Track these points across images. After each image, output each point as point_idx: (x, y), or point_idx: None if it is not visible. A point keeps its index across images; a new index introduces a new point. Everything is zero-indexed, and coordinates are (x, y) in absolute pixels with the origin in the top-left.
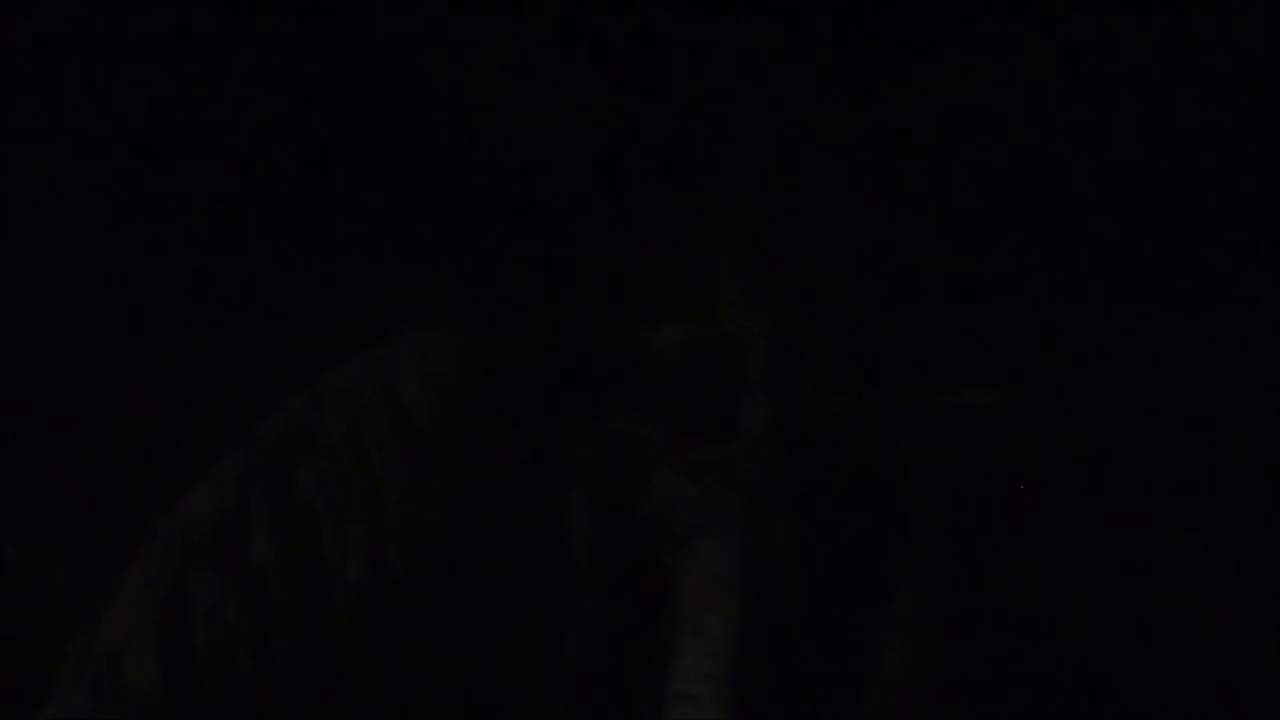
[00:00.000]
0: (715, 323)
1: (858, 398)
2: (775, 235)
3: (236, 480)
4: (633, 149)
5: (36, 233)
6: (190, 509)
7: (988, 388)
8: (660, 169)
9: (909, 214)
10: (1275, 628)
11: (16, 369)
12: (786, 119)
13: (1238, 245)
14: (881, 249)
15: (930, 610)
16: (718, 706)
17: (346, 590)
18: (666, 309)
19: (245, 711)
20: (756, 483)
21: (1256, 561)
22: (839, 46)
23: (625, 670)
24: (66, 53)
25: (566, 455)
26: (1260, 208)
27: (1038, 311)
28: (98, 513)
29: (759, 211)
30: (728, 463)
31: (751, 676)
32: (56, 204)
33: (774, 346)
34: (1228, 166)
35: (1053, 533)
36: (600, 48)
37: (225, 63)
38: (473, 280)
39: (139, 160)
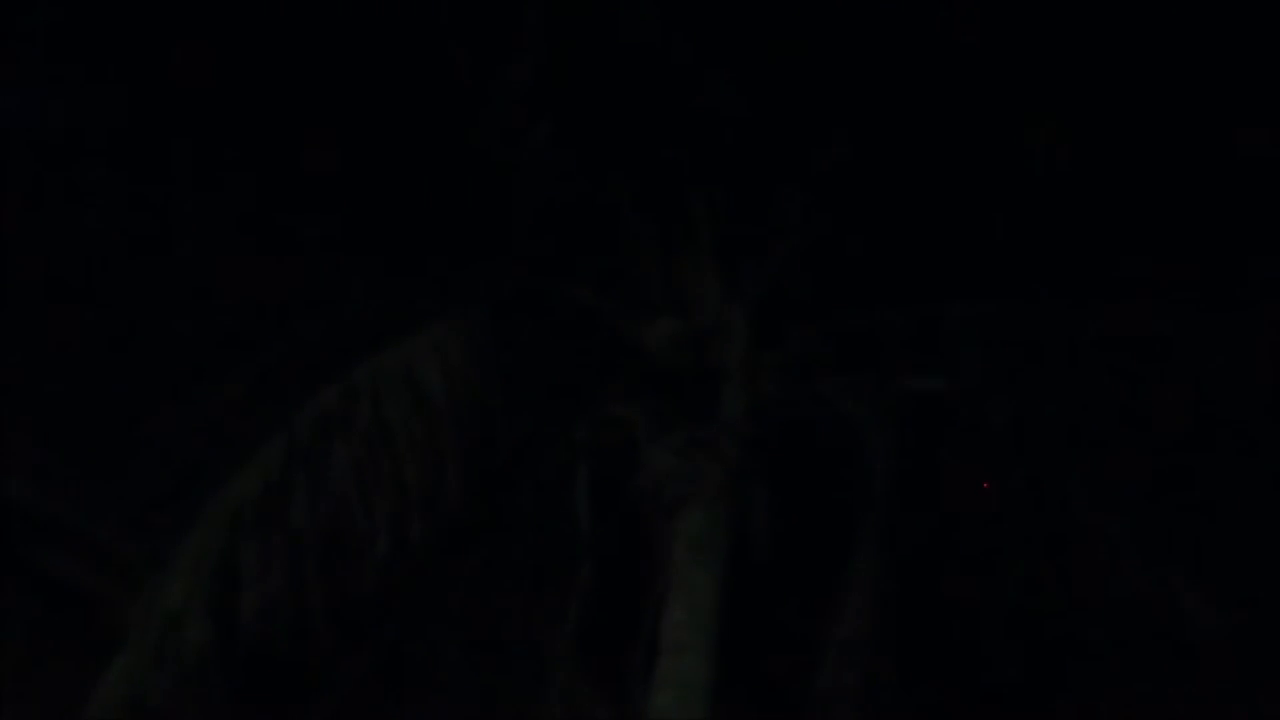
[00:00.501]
0: (698, 318)
1: (824, 384)
2: (751, 241)
3: (280, 461)
4: (623, 164)
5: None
6: (239, 487)
7: (937, 377)
8: (649, 183)
9: (870, 223)
10: (1195, 594)
11: (106, 373)
12: (760, 140)
13: (1167, 243)
14: (846, 253)
15: (887, 567)
16: (704, 654)
17: (375, 557)
18: (655, 306)
19: (285, 664)
20: (736, 459)
21: (1178, 535)
22: (809, 73)
23: (623, 623)
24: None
25: (569, 436)
26: (1190, 206)
27: (982, 311)
28: (164, 491)
29: (737, 220)
30: (710, 441)
31: (733, 627)
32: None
33: (750, 338)
34: (1155, 170)
35: (993, 504)
36: (591, 76)
37: (280, 73)
38: (484, 283)
39: (194, 184)
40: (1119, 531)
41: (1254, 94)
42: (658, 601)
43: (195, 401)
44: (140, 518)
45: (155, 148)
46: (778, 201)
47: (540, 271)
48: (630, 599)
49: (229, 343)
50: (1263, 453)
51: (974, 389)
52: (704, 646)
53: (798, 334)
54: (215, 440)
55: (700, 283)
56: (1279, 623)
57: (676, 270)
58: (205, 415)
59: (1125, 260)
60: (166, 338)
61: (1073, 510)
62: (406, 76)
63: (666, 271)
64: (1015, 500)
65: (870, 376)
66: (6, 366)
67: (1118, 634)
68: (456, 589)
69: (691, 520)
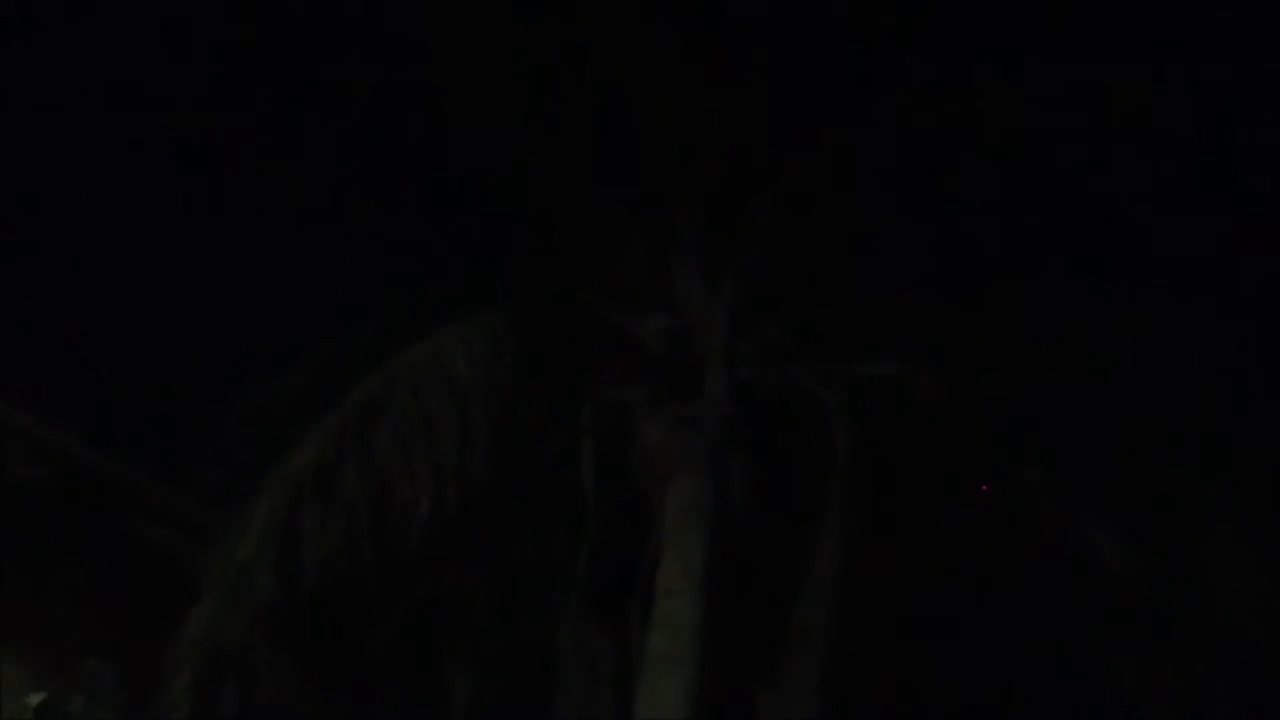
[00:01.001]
0: (684, 314)
1: (794, 369)
2: (729, 247)
3: (333, 438)
4: (618, 186)
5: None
6: (299, 460)
7: (892, 361)
8: (642, 201)
9: (831, 230)
10: (1113, 545)
11: (186, 366)
12: (734, 163)
13: (1110, 240)
14: (811, 257)
15: (851, 524)
16: (693, 599)
17: (414, 519)
18: (647, 304)
19: (340, 609)
20: (719, 434)
21: (1103, 493)
22: (781, 93)
23: (624, 574)
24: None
25: (575, 416)
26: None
27: (926, 303)
28: (236, 464)
29: (716, 230)
30: (697, 419)
31: (719, 577)
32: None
33: (730, 331)
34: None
35: (939, 468)
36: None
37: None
38: (502, 286)
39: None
40: (1046, 488)
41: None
42: (653, 555)
43: (261, 389)
44: (216, 487)
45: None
46: (751, 213)
47: (549, 276)
48: (630, 553)
49: (290, 340)
50: (1173, 421)
51: (920, 371)
52: (693, 593)
53: (770, 327)
54: (278, 421)
55: (686, 284)
56: (1178, 563)
57: (665, 274)
58: (270, 400)
59: (1050, 259)
60: (239, 336)
61: (1005, 471)
62: (442, 118)
63: (657, 275)
64: (956, 463)
65: (833, 362)
66: (103, 360)
67: (1044, 574)
68: (483, 546)
69: (681, 486)
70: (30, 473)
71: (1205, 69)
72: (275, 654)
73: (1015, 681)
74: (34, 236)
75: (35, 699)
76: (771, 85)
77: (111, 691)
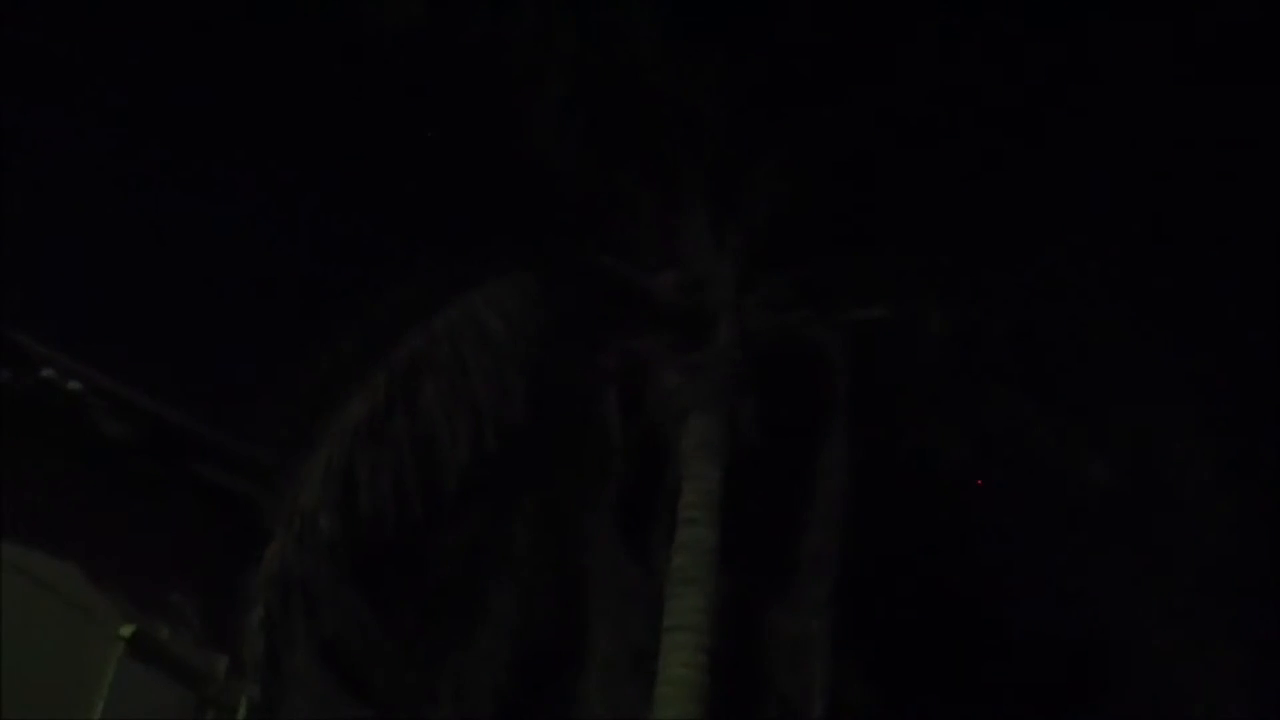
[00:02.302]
0: (695, 268)
1: (796, 315)
2: (734, 206)
3: (382, 390)
4: (632, 154)
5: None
6: (352, 412)
7: (882, 308)
8: (653, 168)
9: (826, 190)
10: (1102, 466)
11: (253, 327)
12: (737, 127)
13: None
14: (810, 211)
15: (850, 456)
16: (710, 525)
17: (458, 462)
18: (661, 261)
19: (394, 546)
20: (729, 377)
21: (1090, 416)
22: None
23: (648, 504)
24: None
25: (599, 364)
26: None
27: (915, 258)
28: (297, 416)
29: (721, 192)
30: (708, 364)
31: (732, 504)
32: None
33: (736, 283)
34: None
35: (935, 402)
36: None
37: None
38: (530, 251)
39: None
40: (1037, 417)
41: None
42: (673, 486)
43: (318, 347)
44: (279, 437)
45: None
46: (752, 176)
47: (572, 239)
48: (652, 486)
49: (343, 302)
50: (1151, 354)
51: (908, 316)
52: (710, 520)
53: (773, 278)
54: (333, 377)
55: (695, 242)
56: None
57: (676, 234)
58: (325, 358)
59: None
60: (299, 302)
61: (992, 402)
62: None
63: (668, 235)
64: (951, 397)
65: (829, 310)
66: (178, 327)
67: (1036, 495)
68: (520, 484)
69: (696, 425)
70: (116, 427)
71: None
72: (339, 587)
73: (1011, 592)
74: (112, 222)
75: (127, 630)
76: (770, 54)
77: (194, 621)
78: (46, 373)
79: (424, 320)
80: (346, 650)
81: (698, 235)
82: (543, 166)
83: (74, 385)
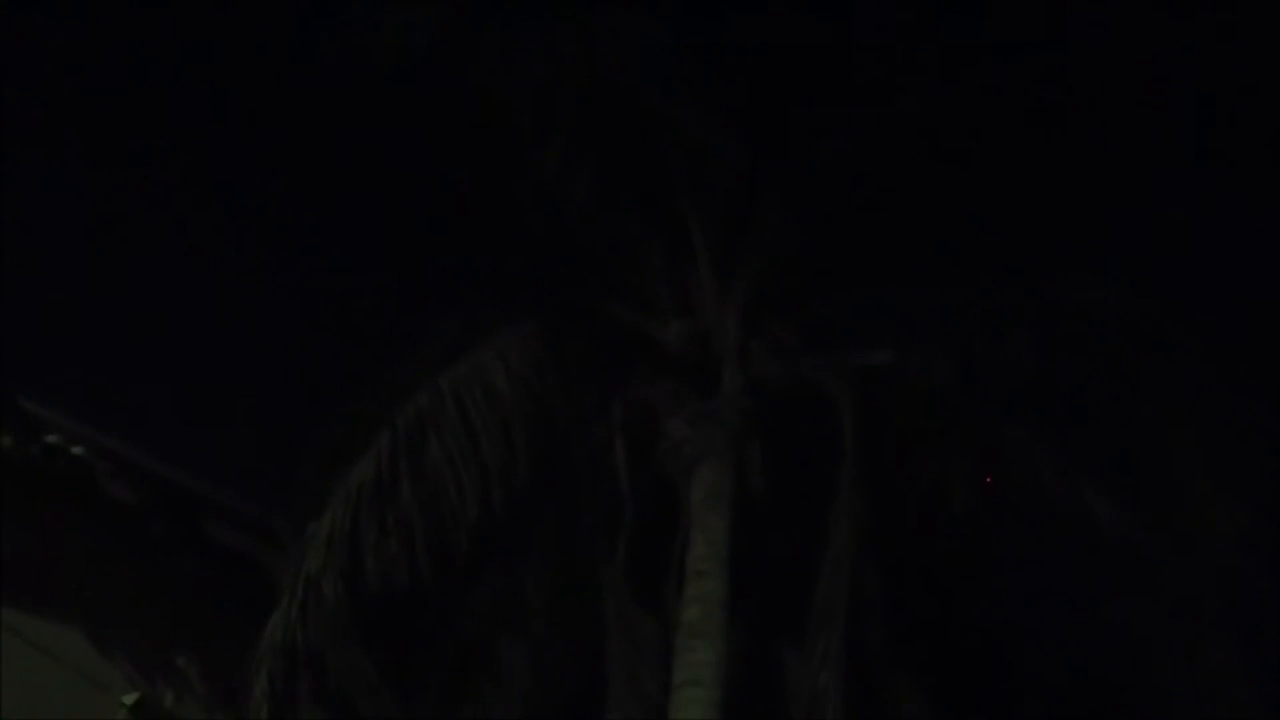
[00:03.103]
0: (701, 318)
1: (802, 362)
2: (739, 254)
3: (388, 452)
4: (639, 206)
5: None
6: (358, 475)
7: (888, 352)
8: (660, 218)
9: (829, 237)
10: (1105, 504)
11: (260, 391)
12: (743, 171)
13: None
14: (815, 258)
15: (859, 503)
16: (720, 578)
17: (467, 523)
18: (667, 310)
19: (401, 612)
20: (736, 426)
21: (1097, 458)
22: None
23: (658, 555)
24: None
25: (606, 415)
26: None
27: (919, 301)
28: (304, 478)
29: (726, 241)
30: (716, 412)
31: (742, 556)
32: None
33: (742, 330)
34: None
35: (942, 445)
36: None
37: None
38: (535, 302)
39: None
40: (1043, 457)
41: None
42: (683, 538)
43: (324, 411)
44: (287, 499)
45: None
46: (757, 224)
47: (576, 289)
48: (663, 537)
49: (351, 359)
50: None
51: (915, 360)
52: (720, 571)
53: (779, 325)
54: (340, 437)
55: (700, 291)
56: (1165, 522)
57: (681, 283)
58: (331, 421)
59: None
60: (301, 363)
61: (1002, 444)
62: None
63: (674, 284)
64: (958, 440)
65: (836, 355)
66: (183, 388)
67: (1050, 538)
68: (530, 539)
69: (704, 474)
70: (121, 490)
71: None
72: (346, 653)
73: (1027, 636)
74: (115, 284)
75: (130, 698)
76: (773, 99)
77: (200, 687)
78: (50, 438)
79: (430, 378)
80: (355, 716)
81: (703, 282)
82: (547, 215)
83: (78, 450)
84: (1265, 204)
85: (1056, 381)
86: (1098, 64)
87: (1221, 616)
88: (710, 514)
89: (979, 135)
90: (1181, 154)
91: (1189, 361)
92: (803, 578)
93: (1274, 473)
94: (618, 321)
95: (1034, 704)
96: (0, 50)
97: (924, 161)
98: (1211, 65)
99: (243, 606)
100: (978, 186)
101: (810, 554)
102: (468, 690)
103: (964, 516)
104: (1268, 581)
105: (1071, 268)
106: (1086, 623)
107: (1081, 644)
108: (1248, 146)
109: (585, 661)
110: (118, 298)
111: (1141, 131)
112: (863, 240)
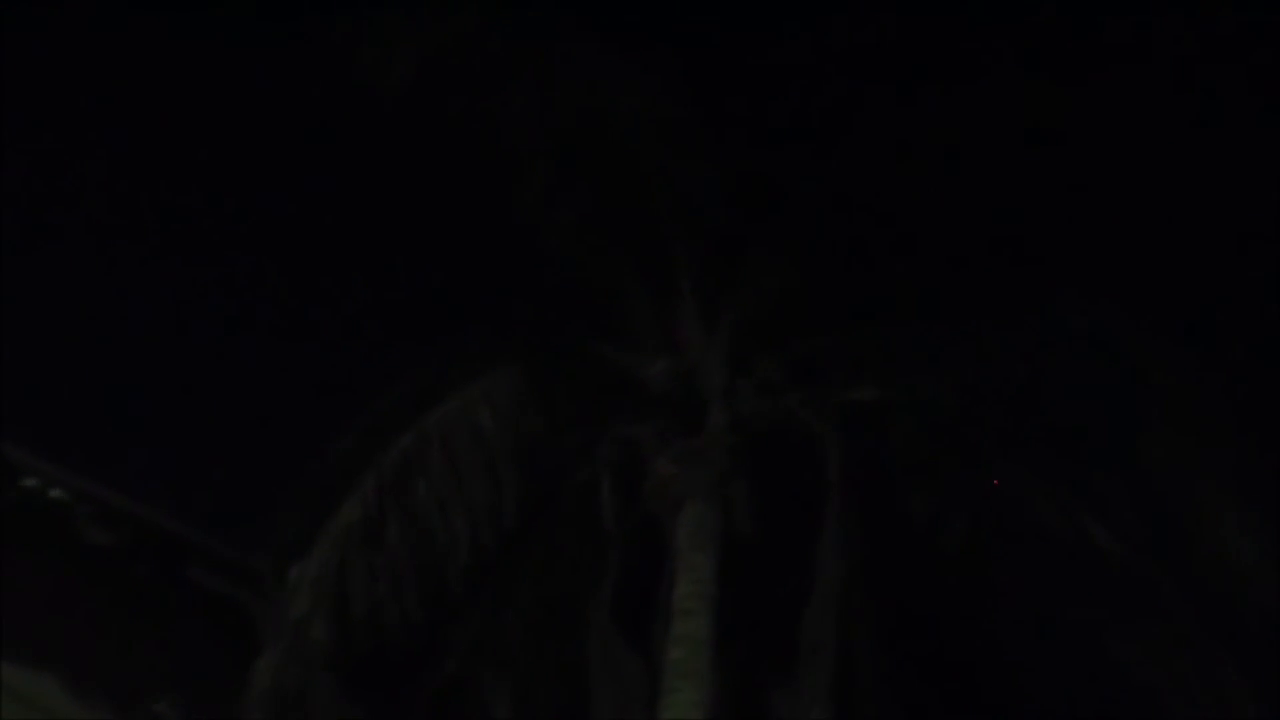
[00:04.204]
0: (686, 355)
1: (788, 399)
2: (723, 294)
3: (374, 494)
4: (624, 247)
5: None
6: (344, 517)
7: (872, 388)
8: (645, 259)
9: (817, 275)
10: (1101, 525)
11: (245, 438)
12: (727, 210)
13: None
14: (799, 298)
15: (847, 540)
16: (706, 617)
17: (455, 563)
18: (653, 349)
19: (389, 656)
20: (722, 464)
21: (1094, 485)
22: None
23: (644, 595)
24: None
25: (593, 454)
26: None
27: (905, 336)
28: (289, 522)
29: (711, 281)
30: (702, 450)
31: (728, 594)
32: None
33: (728, 369)
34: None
35: (930, 479)
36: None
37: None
38: (521, 342)
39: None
40: (1037, 486)
41: None
42: (669, 577)
43: (309, 453)
44: (272, 541)
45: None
46: (741, 262)
47: (562, 329)
48: (649, 576)
49: (332, 406)
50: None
51: (901, 394)
52: (706, 611)
53: (764, 364)
54: (326, 479)
55: (686, 330)
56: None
57: (667, 321)
58: (316, 463)
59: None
60: (290, 402)
61: (991, 479)
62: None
63: (660, 323)
64: (947, 472)
65: (821, 392)
66: (165, 431)
67: (1041, 567)
68: (517, 578)
69: (690, 513)
70: (101, 535)
71: None
72: (334, 697)
73: (1019, 666)
74: (92, 325)
75: None
76: (756, 139)
77: None
78: (28, 481)
79: (415, 419)
80: None
81: (688, 321)
82: (532, 255)
83: (57, 493)
84: (1263, 225)
85: (1048, 411)
86: (1075, 99)
87: (1225, 644)
88: (696, 553)
89: (962, 170)
90: (1171, 177)
91: (1182, 385)
92: (790, 616)
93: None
94: (603, 360)
95: None
96: None
97: (908, 197)
98: (1199, 90)
99: (225, 651)
100: (962, 220)
101: (798, 591)
102: None
103: (955, 550)
104: (1271, 607)
105: (1058, 295)
106: (1084, 654)
107: (1080, 676)
108: (1245, 166)
109: (572, 702)
110: (97, 340)
111: (1124, 160)
112: (847, 277)
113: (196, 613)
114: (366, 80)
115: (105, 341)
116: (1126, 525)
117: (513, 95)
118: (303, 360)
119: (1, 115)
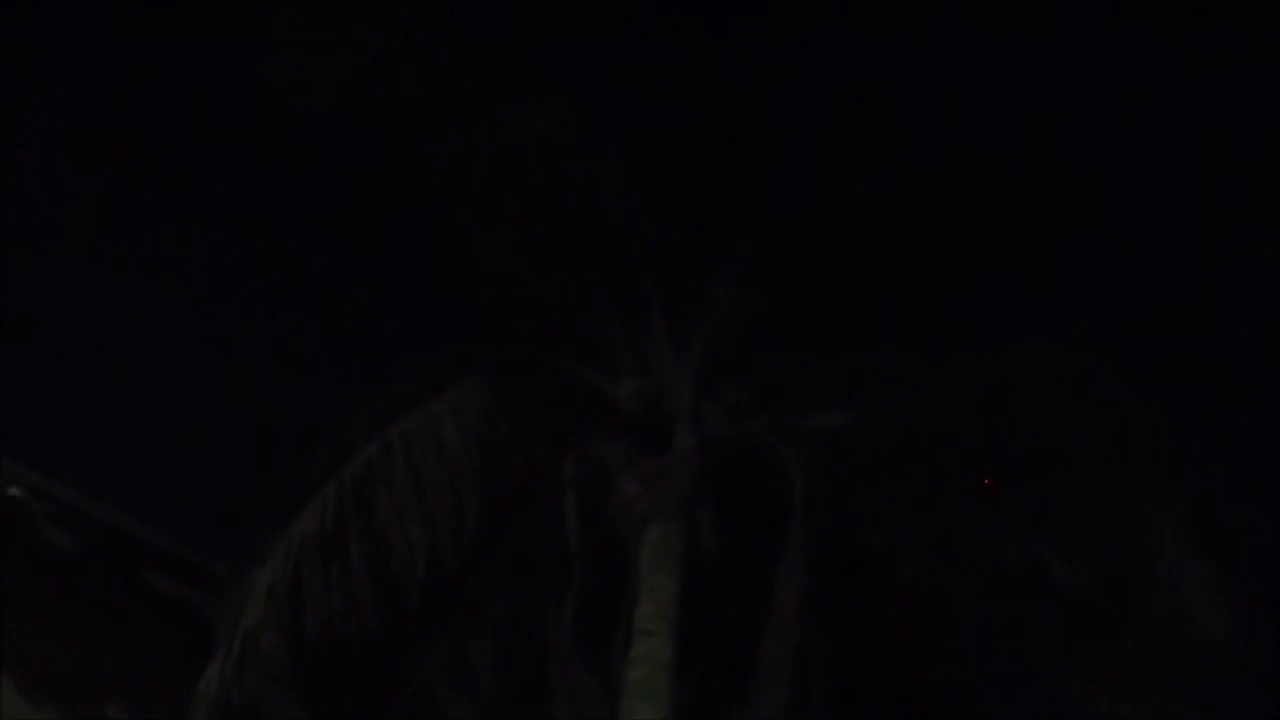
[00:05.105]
0: (655, 376)
1: (755, 423)
2: (693, 314)
3: (334, 504)
4: (593, 265)
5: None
6: (302, 526)
7: (838, 413)
8: (614, 277)
9: (787, 294)
10: (1054, 556)
11: (204, 441)
12: (696, 236)
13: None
14: (768, 320)
15: (808, 564)
16: (667, 637)
17: (416, 576)
18: (621, 368)
19: (343, 667)
20: (688, 485)
21: (1051, 519)
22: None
23: (606, 614)
24: None
25: (558, 471)
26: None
27: (871, 363)
28: (247, 526)
29: (681, 301)
30: (668, 471)
31: (689, 616)
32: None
33: (696, 391)
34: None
35: (892, 507)
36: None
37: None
38: (488, 357)
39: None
40: (991, 518)
41: None
42: (631, 597)
43: (268, 460)
44: (229, 546)
45: None
46: (711, 285)
47: (530, 345)
48: (610, 595)
49: (294, 413)
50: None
51: (866, 421)
52: (667, 632)
53: (732, 386)
54: (283, 489)
55: (655, 349)
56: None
57: (636, 341)
58: (275, 471)
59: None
60: (253, 407)
61: (952, 508)
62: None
63: (629, 342)
64: (908, 502)
65: (788, 416)
66: (124, 430)
67: (997, 596)
68: (478, 595)
69: (655, 533)
70: (58, 535)
71: None
72: (284, 709)
73: (974, 696)
74: (58, 322)
75: None
76: (724, 162)
77: None
78: None
79: (380, 429)
80: None
81: (657, 341)
82: (500, 272)
83: (15, 491)
84: (1224, 261)
85: (1008, 443)
86: (1044, 135)
87: (1179, 679)
88: (659, 574)
89: (929, 205)
90: (1137, 211)
91: (1138, 420)
92: (749, 637)
93: (1230, 531)
94: (571, 378)
95: None
96: None
97: (877, 228)
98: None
99: (180, 656)
100: (928, 251)
101: (758, 613)
102: None
103: (911, 577)
104: (1230, 640)
105: (1018, 331)
106: (1038, 686)
107: (1033, 708)
108: (1215, 202)
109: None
110: (60, 338)
111: (1088, 198)
112: (816, 304)
113: (152, 617)
114: (303, 88)
115: (74, 342)
116: (1083, 559)
117: (467, 118)
118: (270, 367)
119: None
